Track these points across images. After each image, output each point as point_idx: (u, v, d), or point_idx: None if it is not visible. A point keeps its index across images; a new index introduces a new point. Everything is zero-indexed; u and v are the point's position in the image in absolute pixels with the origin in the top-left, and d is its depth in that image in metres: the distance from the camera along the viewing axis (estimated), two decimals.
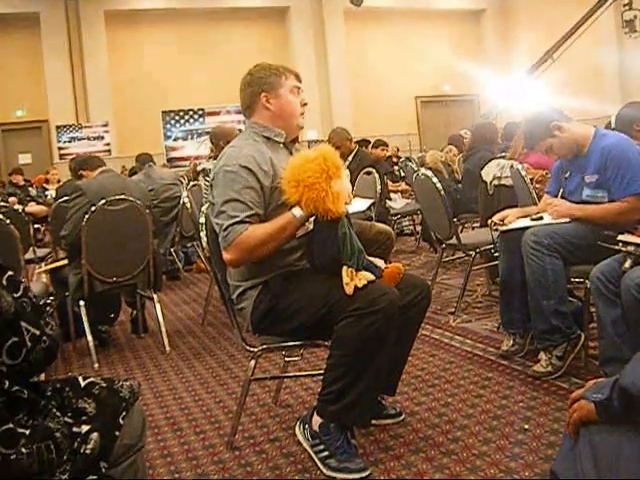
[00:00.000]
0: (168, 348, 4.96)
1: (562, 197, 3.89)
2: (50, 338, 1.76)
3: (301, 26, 19.36)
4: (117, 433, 1.77)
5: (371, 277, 2.78)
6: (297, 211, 2.79)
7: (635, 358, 1.54)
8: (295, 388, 3.88)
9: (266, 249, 2.82)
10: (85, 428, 1.71)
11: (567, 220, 3.70)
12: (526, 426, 3.09)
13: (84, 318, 4.72)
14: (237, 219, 2.79)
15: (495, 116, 15.36)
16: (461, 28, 21.74)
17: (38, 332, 1.72)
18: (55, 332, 1.80)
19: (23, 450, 1.58)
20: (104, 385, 1.84)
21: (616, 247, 3.15)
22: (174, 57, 18.42)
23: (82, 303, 4.73)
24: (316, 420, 2.86)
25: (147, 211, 4.94)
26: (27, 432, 1.62)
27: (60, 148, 17.48)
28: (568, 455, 1.62)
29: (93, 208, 4.59)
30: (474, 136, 7.45)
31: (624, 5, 15.39)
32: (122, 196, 4.77)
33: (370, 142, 10.67)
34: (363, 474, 2.75)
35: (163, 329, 5.06)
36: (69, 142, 17.45)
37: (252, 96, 3.07)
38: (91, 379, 1.86)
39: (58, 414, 1.72)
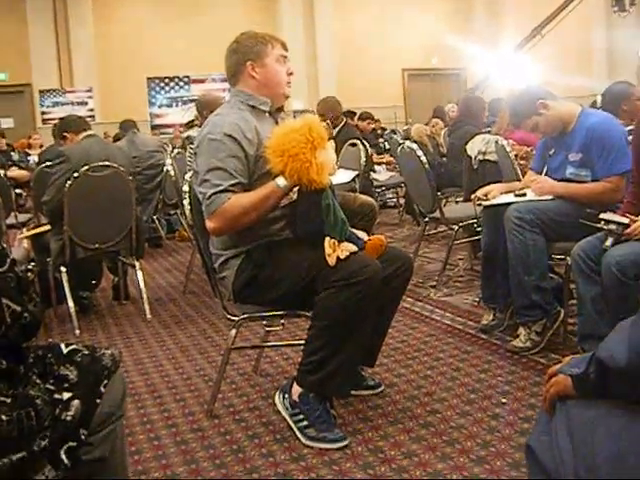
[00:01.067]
0: (149, 315, 4.96)
1: (546, 174, 3.90)
2: (31, 314, 1.75)
3: None
4: (98, 401, 1.77)
5: (353, 248, 2.79)
6: (281, 181, 2.78)
7: (613, 332, 1.55)
8: (275, 358, 3.89)
9: (249, 218, 2.81)
10: (66, 395, 1.70)
11: (550, 197, 3.72)
12: (504, 400, 3.12)
13: (65, 284, 4.70)
14: (221, 188, 2.78)
15: (482, 91, 15.33)
16: (450, 1, 21.63)
17: (19, 309, 1.71)
18: (38, 308, 1.79)
19: (3, 417, 1.57)
20: (86, 352, 1.83)
21: (598, 225, 3.17)
22: (160, 24, 18.25)
23: (63, 269, 4.72)
24: (296, 390, 2.88)
25: (130, 178, 4.91)
26: (8, 400, 1.61)
27: (43, 113, 17.33)
28: (544, 429, 1.63)
29: (76, 174, 4.55)
30: (460, 110, 7.44)
31: None
32: (106, 162, 4.73)
33: (356, 114, 10.61)
34: (341, 444, 2.77)
35: (145, 296, 5.05)
36: (52, 107, 17.28)
37: (238, 64, 3.05)
38: (74, 346, 1.85)
39: (39, 381, 1.72)
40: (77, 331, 4.64)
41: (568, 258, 3.47)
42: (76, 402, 1.70)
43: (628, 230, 3.05)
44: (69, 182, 4.54)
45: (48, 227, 4.87)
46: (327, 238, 2.78)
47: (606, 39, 16.77)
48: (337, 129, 7.16)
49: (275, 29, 17.33)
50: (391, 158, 9.78)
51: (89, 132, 5.15)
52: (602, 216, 3.17)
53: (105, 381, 1.81)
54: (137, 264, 5.13)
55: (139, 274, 5.10)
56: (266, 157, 2.78)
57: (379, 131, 12.68)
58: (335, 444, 2.77)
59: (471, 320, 4.37)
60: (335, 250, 2.75)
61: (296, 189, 2.84)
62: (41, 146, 12.11)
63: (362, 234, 3.02)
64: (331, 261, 2.72)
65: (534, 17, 15.79)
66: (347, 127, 7.50)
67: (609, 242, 3.09)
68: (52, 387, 1.72)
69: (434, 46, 20.27)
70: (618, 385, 1.49)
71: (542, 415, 1.69)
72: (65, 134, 5.18)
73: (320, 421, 2.81)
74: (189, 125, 9.13)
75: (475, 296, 4.81)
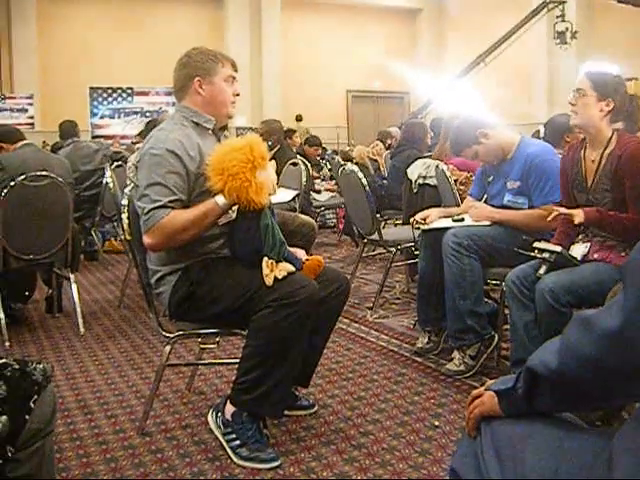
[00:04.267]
0: (82, 329, 4.87)
1: (485, 201, 3.97)
2: None
3: (238, 12, 19.16)
4: (27, 417, 1.73)
5: (291, 269, 2.80)
6: (220, 199, 2.77)
7: (544, 345, 1.57)
8: (210, 376, 3.86)
9: (187, 235, 2.80)
10: None
11: (488, 223, 3.78)
12: (436, 423, 3.15)
13: None
14: (159, 203, 2.76)
15: (424, 115, 15.50)
16: (397, 26, 21.86)
17: None
18: None
19: None
20: (17, 367, 1.79)
21: (532, 254, 3.23)
22: (106, 33, 18.02)
23: None
24: (229, 409, 2.86)
25: (69, 189, 4.84)
26: None
27: None
28: (467, 451, 1.62)
29: (12, 183, 4.47)
30: (404, 134, 7.52)
31: (557, 17, 15.73)
32: (43, 172, 4.66)
33: (295, 132, 10.61)
34: (274, 464, 2.76)
35: (78, 310, 4.97)
36: None
37: (186, 79, 3.04)
38: (3, 360, 1.81)
39: None
40: (7, 343, 4.54)
41: (503, 284, 3.52)
42: (3, 418, 1.66)
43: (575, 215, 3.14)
44: (5, 191, 4.45)
45: None
46: (265, 258, 2.78)
47: (547, 69, 17.14)
48: (276, 149, 7.19)
49: (222, 45, 17.32)
50: (333, 184, 9.82)
51: (25, 141, 5.06)
52: (536, 245, 3.24)
53: (35, 396, 1.77)
54: (72, 277, 5.04)
55: (74, 287, 5.02)
56: (207, 175, 2.78)
57: (319, 150, 12.65)
58: (267, 464, 2.76)
59: (406, 343, 4.41)
60: (272, 270, 2.76)
61: (235, 208, 2.84)
62: None
63: (301, 253, 3.04)
64: (268, 281, 2.73)
65: (479, 45, 16.06)
66: (284, 147, 7.54)
67: (542, 270, 3.16)
68: None
69: (378, 69, 20.40)
70: (546, 396, 1.50)
71: (464, 437, 1.69)
72: (1, 144, 5.09)
73: (253, 441, 2.80)
74: (142, 135, 8.82)
75: (411, 319, 4.85)
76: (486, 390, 1.65)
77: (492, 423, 1.59)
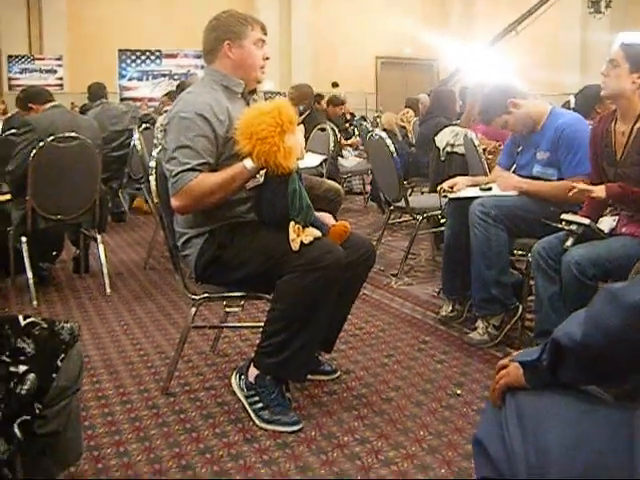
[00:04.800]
0: (109, 290, 4.92)
1: (514, 171, 3.94)
2: None
3: None
4: (54, 375, 1.76)
5: (318, 234, 2.79)
6: (248, 163, 2.77)
7: (570, 317, 1.56)
8: (234, 338, 3.89)
9: (215, 198, 2.81)
10: (22, 368, 1.69)
11: (515, 193, 3.75)
12: (458, 391, 3.16)
13: (25, 254, 4.65)
14: (188, 166, 2.77)
15: (454, 83, 15.37)
16: None
17: None
18: None
19: None
20: (45, 326, 1.82)
21: (559, 225, 3.21)
22: None
23: (24, 239, 4.66)
24: (252, 371, 2.88)
25: (97, 151, 4.87)
26: None
27: (10, 79, 17.00)
28: (492, 421, 1.63)
29: (41, 144, 4.49)
30: (432, 102, 7.46)
31: None
32: (72, 134, 4.68)
33: (324, 97, 10.56)
34: (295, 427, 2.78)
35: (105, 270, 5.02)
36: (20, 73, 16.98)
37: (216, 42, 3.02)
38: (32, 319, 1.84)
39: None
40: (34, 302, 4.60)
41: (529, 255, 3.50)
42: (32, 376, 1.69)
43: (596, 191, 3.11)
44: (34, 151, 4.48)
45: (9, 196, 4.81)
46: (291, 223, 2.78)
47: (580, 39, 16.90)
48: (305, 115, 7.15)
49: (252, 9, 17.19)
50: (358, 139, 9.80)
51: (54, 103, 5.09)
52: (563, 217, 3.21)
53: (62, 355, 1.80)
54: (99, 237, 5.08)
55: (100, 248, 5.06)
56: (235, 138, 2.77)
57: (348, 116, 12.62)
58: (289, 427, 2.78)
59: (430, 310, 4.41)
60: (299, 235, 2.76)
61: (263, 172, 2.84)
62: (5, 112, 11.91)
63: (327, 218, 3.03)
64: (294, 246, 2.73)
65: (510, 13, 15.86)
66: (314, 112, 7.50)
67: (569, 242, 3.14)
68: (8, 359, 1.70)
69: (408, 36, 20.23)
70: (570, 369, 1.50)
71: (489, 407, 1.69)
72: (30, 105, 5.12)
73: (275, 404, 2.82)
74: (170, 96, 8.76)
75: (435, 287, 4.84)
76: (511, 361, 1.65)
77: (517, 394, 1.59)
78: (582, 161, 3.57)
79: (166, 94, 9.31)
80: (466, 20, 21.15)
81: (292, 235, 2.74)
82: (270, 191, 2.84)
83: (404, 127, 9.14)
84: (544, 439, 1.46)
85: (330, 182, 4.24)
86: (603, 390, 1.65)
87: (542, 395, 1.56)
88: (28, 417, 1.67)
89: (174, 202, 2.83)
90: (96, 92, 8.10)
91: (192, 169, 2.77)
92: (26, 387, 1.67)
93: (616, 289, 1.39)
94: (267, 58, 3.09)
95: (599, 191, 3.11)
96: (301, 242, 2.73)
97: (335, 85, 17.77)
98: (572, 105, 5.09)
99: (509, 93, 3.82)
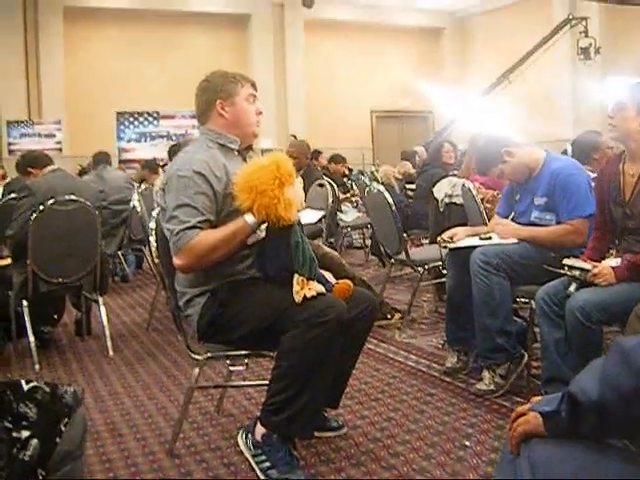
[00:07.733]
0: (111, 352, 4.90)
1: (512, 219, 3.95)
2: None
3: (261, 34, 19.34)
4: (57, 440, 1.73)
5: (321, 289, 2.78)
6: (249, 217, 2.78)
7: (584, 370, 1.56)
8: (238, 397, 3.86)
9: (217, 255, 2.81)
10: (25, 434, 1.67)
11: (515, 241, 3.75)
12: (467, 443, 3.12)
13: (27, 318, 4.62)
14: (188, 224, 2.77)
15: (448, 133, 15.50)
16: (420, 45, 21.94)
17: None
18: None
19: None
20: (47, 390, 1.80)
21: (562, 271, 3.20)
22: (131, 58, 18.23)
23: (25, 303, 4.64)
24: (259, 430, 2.85)
25: (96, 213, 4.89)
26: None
27: (10, 144, 17.15)
28: (507, 468, 1.62)
29: (41, 207, 4.51)
30: (429, 153, 7.53)
31: (580, 32, 15.75)
32: (72, 197, 4.71)
33: (321, 153, 10.63)
34: None
35: (107, 333, 4.99)
36: (19, 138, 17.12)
37: (208, 102, 3.07)
38: (34, 383, 1.82)
39: None
40: (37, 366, 4.57)
41: (532, 302, 3.49)
42: (35, 441, 1.66)
43: (594, 271, 3.09)
44: (34, 215, 4.50)
45: (9, 261, 4.81)
46: (296, 275, 2.78)
47: (571, 85, 17.13)
48: (302, 170, 7.19)
49: (246, 68, 17.43)
50: (357, 191, 9.86)
51: (53, 167, 5.13)
52: (565, 262, 3.21)
53: (65, 419, 1.77)
54: (100, 299, 5.07)
55: (102, 310, 5.04)
56: (234, 194, 2.79)
57: (345, 171, 12.68)
58: None
59: (435, 362, 4.38)
60: (303, 287, 2.74)
61: (264, 227, 2.84)
62: (5, 177, 11.97)
63: (329, 275, 3.03)
64: (298, 298, 2.71)
65: (502, 62, 16.10)
66: (311, 168, 7.55)
67: (573, 287, 3.13)
68: (10, 425, 1.68)
69: (402, 89, 20.46)
70: (589, 423, 1.49)
71: (505, 454, 1.67)
72: (29, 169, 5.17)
73: (283, 462, 2.78)
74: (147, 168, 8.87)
75: (440, 338, 4.81)
76: (530, 410, 1.64)
77: (530, 442, 1.57)
78: (579, 204, 3.60)
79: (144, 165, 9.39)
80: (459, 71, 21.48)
81: (296, 287, 2.74)
82: (272, 245, 2.84)
83: (401, 180, 9.19)
84: None
85: (327, 249, 4.26)
86: (629, 442, 1.64)
87: (557, 445, 1.54)
88: None
89: (177, 261, 2.82)
90: (100, 160, 8.22)
91: (193, 227, 2.77)
92: (29, 453, 1.64)
93: (629, 348, 1.40)
94: (260, 112, 3.13)
95: (607, 278, 3.11)
96: (304, 296, 2.72)
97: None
98: (569, 153, 5.13)
99: (503, 142, 3.86)
